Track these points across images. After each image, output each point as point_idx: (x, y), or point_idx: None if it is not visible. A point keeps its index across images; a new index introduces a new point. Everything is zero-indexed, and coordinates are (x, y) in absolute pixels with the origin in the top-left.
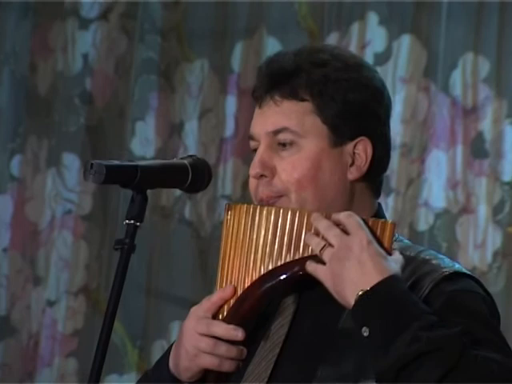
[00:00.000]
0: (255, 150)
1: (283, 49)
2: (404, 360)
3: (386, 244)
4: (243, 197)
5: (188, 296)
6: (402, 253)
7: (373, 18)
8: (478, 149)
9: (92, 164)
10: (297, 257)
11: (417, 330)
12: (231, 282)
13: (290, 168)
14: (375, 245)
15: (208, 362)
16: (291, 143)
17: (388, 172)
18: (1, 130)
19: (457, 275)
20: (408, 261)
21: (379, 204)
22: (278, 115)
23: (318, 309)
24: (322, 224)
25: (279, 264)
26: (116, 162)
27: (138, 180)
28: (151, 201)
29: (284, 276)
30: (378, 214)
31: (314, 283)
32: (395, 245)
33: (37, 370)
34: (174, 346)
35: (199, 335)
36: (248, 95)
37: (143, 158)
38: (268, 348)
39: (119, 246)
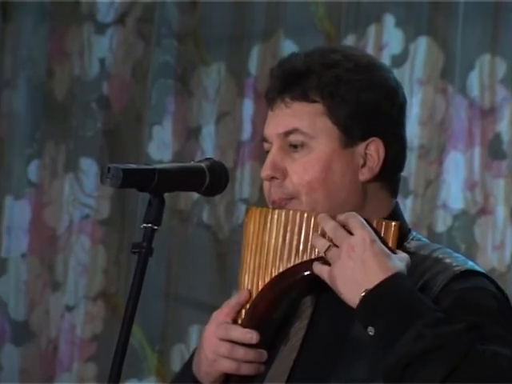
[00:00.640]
0: (268, 152)
1: (300, 51)
2: (409, 358)
3: (390, 244)
4: (261, 200)
5: (207, 299)
6: (417, 252)
7: (389, 20)
8: (495, 150)
9: (109, 168)
10: (305, 259)
11: (421, 328)
12: (247, 286)
13: (301, 170)
14: (379, 243)
15: (227, 366)
16: (302, 145)
17: (406, 174)
18: (18, 135)
19: (468, 273)
20: (421, 260)
21: (396, 203)
22: (288, 117)
23: (334, 311)
24: (329, 225)
25: (289, 266)
26: (133, 166)
27: (156, 183)
28: (169, 205)
29: (293, 279)
30: (395, 213)
31: (327, 292)
32: (413, 243)
33: (56, 374)
34: (196, 350)
35: (218, 340)
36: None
37: (160, 162)
38: (286, 352)
39: (137, 250)
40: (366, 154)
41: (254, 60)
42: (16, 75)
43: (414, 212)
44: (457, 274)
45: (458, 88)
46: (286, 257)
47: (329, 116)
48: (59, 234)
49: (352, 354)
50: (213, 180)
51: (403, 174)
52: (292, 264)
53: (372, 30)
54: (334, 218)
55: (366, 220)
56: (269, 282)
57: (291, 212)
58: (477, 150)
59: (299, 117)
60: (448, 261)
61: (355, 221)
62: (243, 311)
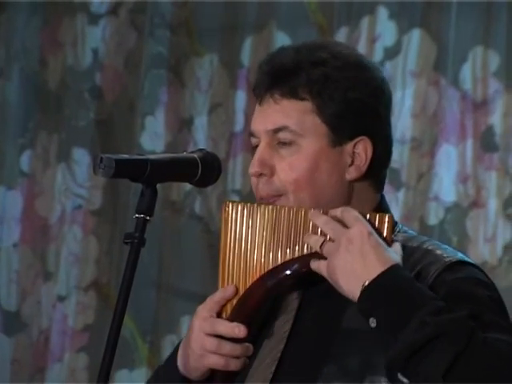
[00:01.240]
0: (256, 147)
1: (293, 43)
2: (413, 346)
3: (384, 236)
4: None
5: (198, 290)
6: (405, 244)
7: (382, 13)
8: (488, 142)
9: (101, 158)
10: (296, 254)
11: (424, 316)
12: (232, 281)
13: (288, 168)
14: (375, 236)
15: (214, 361)
16: (290, 142)
17: (398, 166)
18: (11, 125)
19: (459, 264)
20: (411, 251)
21: (382, 196)
22: (277, 114)
23: (321, 304)
24: (321, 219)
25: (279, 262)
26: (125, 156)
27: (148, 174)
28: (161, 196)
29: (284, 274)
30: (381, 206)
31: (315, 279)
32: (400, 236)
33: (47, 365)
34: (181, 344)
35: (204, 335)
36: None
37: (153, 153)
38: (272, 345)
39: (129, 240)
40: (353, 152)
41: (246, 51)
42: (9, 66)
43: (406, 204)
44: (448, 265)
45: (451, 80)
46: (274, 252)
47: (318, 114)
48: (51, 223)
49: (342, 347)
50: (205, 171)
51: (395, 166)
52: (282, 260)
53: (365, 22)
54: (325, 213)
55: (360, 213)
56: (259, 278)
57: (279, 207)
58: (469, 143)
59: (288, 114)
60: (438, 252)
61: (350, 215)
62: (228, 306)
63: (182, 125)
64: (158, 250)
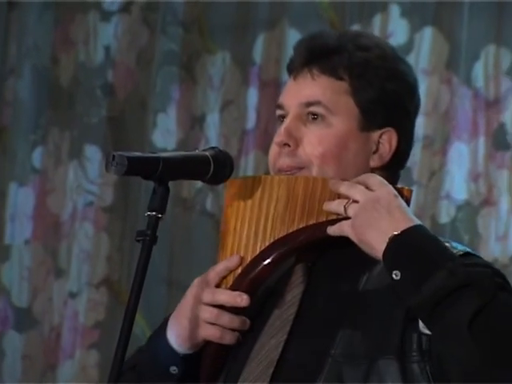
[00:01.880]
0: (281, 117)
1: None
2: (441, 293)
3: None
4: None
5: None
6: None
7: (395, 10)
8: (499, 141)
9: (114, 155)
10: (310, 223)
11: (452, 267)
12: (238, 252)
13: (316, 141)
14: (401, 199)
15: (211, 332)
16: (322, 117)
17: (410, 164)
18: (23, 121)
19: (470, 254)
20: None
21: None
22: (313, 88)
23: (332, 282)
24: (344, 184)
25: (291, 231)
26: (138, 154)
27: (160, 171)
28: (172, 193)
29: (297, 241)
30: None
31: (322, 261)
32: None
33: (58, 362)
34: (172, 317)
35: (203, 305)
36: (270, 87)
37: (164, 150)
38: (278, 326)
39: (141, 238)
40: (379, 142)
41: (258, 49)
42: (21, 63)
43: (418, 203)
44: (460, 255)
45: (463, 79)
46: (288, 222)
47: (353, 96)
48: (63, 220)
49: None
50: (217, 169)
51: (408, 164)
52: (295, 229)
53: (377, 19)
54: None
55: None
56: (269, 246)
57: (295, 178)
58: (481, 141)
59: (324, 90)
60: (448, 245)
61: (376, 179)
62: (230, 277)
63: (193, 122)
64: (169, 247)
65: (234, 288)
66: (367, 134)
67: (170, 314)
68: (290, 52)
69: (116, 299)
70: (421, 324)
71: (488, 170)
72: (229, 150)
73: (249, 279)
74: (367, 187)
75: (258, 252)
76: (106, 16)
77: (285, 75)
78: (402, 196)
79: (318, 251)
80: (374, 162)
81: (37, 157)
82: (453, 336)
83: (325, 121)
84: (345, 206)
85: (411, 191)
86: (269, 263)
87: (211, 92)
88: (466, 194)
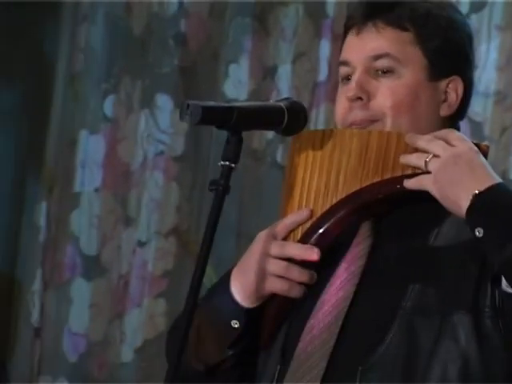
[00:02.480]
0: (346, 78)
1: None
2: None
3: None
4: None
5: None
6: None
7: None
8: None
9: (188, 104)
10: (386, 177)
11: None
12: (306, 205)
13: (389, 93)
14: (482, 156)
15: (278, 285)
16: (391, 70)
17: (481, 119)
18: (95, 70)
19: None
20: None
21: None
22: (380, 41)
23: (400, 237)
24: (423, 139)
25: (365, 185)
26: (212, 103)
27: (234, 121)
28: (243, 144)
29: (370, 196)
30: None
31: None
32: None
33: (126, 310)
34: (236, 270)
35: (271, 258)
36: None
37: (236, 101)
38: (345, 278)
39: (214, 187)
40: (446, 91)
41: (331, 1)
42: (94, 10)
43: (489, 158)
44: None
45: None
46: (362, 176)
47: (419, 46)
48: (133, 169)
49: (427, 272)
50: (291, 120)
51: (478, 119)
52: (370, 183)
53: None
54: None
55: None
56: (341, 200)
57: (369, 132)
58: None
59: (391, 42)
60: None
61: (456, 135)
62: (298, 231)
63: (265, 73)
64: (239, 199)
65: (303, 242)
66: (435, 84)
67: (230, 270)
68: None
69: (184, 249)
70: (504, 282)
71: None
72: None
73: (319, 233)
74: (447, 142)
75: (328, 205)
76: None
77: None
78: (480, 151)
79: (386, 206)
80: (444, 111)
81: (108, 105)
82: None
83: (394, 73)
84: (426, 160)
85: (488, 147)
86: (341, 217)
87: (283, 44)
88: None
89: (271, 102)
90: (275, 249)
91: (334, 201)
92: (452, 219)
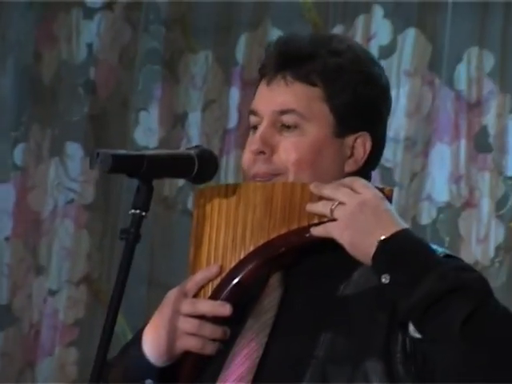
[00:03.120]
0: (254, 127)
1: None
2: (432, 297)
3: None
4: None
5: None
6: None
7: (378, 11)
8: (481, 143)
9: (98, 153)
10: (293, 228)
11: (443, 270)
12: (215, 262)
13: (292, 148)
14: (387, 202)
15: (192, 343)
16: (296, 126)
17: (392, 165)
18: (4, 118)
19: (449, 257)
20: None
21: None
22: (287, 95)
23: (310, 287)
24: (328, 187)
25: (272, 237)
26: (122, 152)
27: (145, 169)
28: (154, 191)
29: (278, 248)
30: None
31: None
32: None
33: (37, 359)
34: (148, 329)
35: (183, 316)
36: (252, 87)
37: (146, 148)
38: (257, 329)
39: (125, 236)
40: (353, 146)
41: (241, 49)
42: (3, 58)
43: (399, 204)
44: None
45: (445, 80)
46: (268, 229)
47: (327, 102)
48: (43, 217)
49: (337, 324)
50: (202, 168)
51: (389, 165)
52: (277, 235)
53: (360, 20)
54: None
55: None
56: (249, 254)
57: (273, 184)
58: (463, 143)
59: (298, 97)
60: None
61: (361, 182)
62: (208, 288)
63: (175, 120)
64: (150, 246)
65: (214, 298)
66: (342, 140)
67: (142, 328)
68: None
69: (96, 297)
70: (411, 328)
71: (469, 172)
72: (210, 149)
73: (230, 288)
74: (352, 190)
75: (237, 260)
76: (88, 13)
77: None
78: (385, 196)
79: (295, 256)
80: (349, 166)
81: (18, 154)
82: (444, 340)
83: (299, 129)
84: (331, 208)
85: (392, 191)
86: (250, 271)
87: (193, 91)
88: (447, 196)
89: (182, 150)
90: (186, 306)
91: (243, 255)
92: (362, 267)
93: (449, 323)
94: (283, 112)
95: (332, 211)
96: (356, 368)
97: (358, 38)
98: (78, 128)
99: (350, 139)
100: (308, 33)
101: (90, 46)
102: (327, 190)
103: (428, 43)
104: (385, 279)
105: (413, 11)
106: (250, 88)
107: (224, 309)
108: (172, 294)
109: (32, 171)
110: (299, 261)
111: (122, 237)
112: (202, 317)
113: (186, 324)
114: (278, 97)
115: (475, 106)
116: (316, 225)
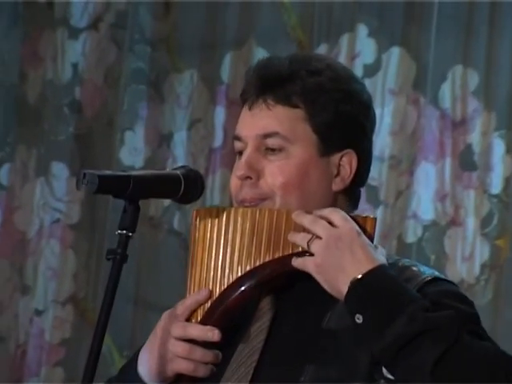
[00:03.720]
0: (240, 152)
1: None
2: (402, 340)
3: (369, 237)
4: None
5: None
6: None
7: (362, 30)
8: (466, 161)
9: (85, 174)
10: (276, 256)
11: (413, 312)
12: (206, 286)
13: (277, 172)
14: (363, 236)
15: (183, 366)
16: (280, 149)
17: (377, 184)
18: None
19: (438, 280)
20: (389, 266)
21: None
22: (269, 119)
23: (298, 313)
24: (307, 218)
25: (258, 264)
26: (108, 172)
27: (131, 190)
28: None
29: (263, 275)
30: None
31: (290, 288)
32: None
33: (24, 379)
34: (143, 350)
35: (174, 339)
36: (237, 106)
37: (132, 168)
38: (247, 354)
39: (112, 256)
40: (339, 164)
41: (226, 68)
42: None
43: (385, 222)
44: (427, 281)
45: (430, 99)
46: (254, 255)
47: (309, 123)
48: (29, 237)
49: (324, 350)
50: (188, 188)
51: (374, 183)
52: (262, 262)
53: (345, 39)
54: (309, 213)
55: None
56: (237, 280)
57: (259, 210)
58: (448, 161)
59: (280, 120)
60: (415, 269)
61: (339, 214)
62: (200, 311)
63: (161, 140)
64: (136, 266)
65: (204, 322)
66: (327, 159)
67: (140, 347)
68: None
69: (82, 317)
70: (384, 369)
71: (454, 190)
72: (196, 168)
73: (218, 313)
74: (330, 222)
75: (225, 285)
76: (74, 33)
77: None
78: (366, 226)
79: (285, 279)
80: (337, 185)
81: (3, 174)
82: (415, 382)
83: (284, 152)
84: (308, 243)
85: (375, 220)
86: (240, 295)
87: (179, 110)
88: (432, 214)
89: (168, 170)
90: (177, 330)
91: (232, 279)
92: None
93: (420, 366)
94: (267, 136)
95: (309, 246)
96: None
97: (343, 57)
98: (64, 148)
99: (335, 157)
100: (291, 52)
101: (75, 65)
102: (306, 221)
103: (412, 62)
104: (358, 319)
105: (397, 30)
106: (235, 107)
107: (212, 334)
108: (165, 316)
109: (18, 191)
110: (291, 283)
111: (109, 257)
112: (193, 340)
113: (177, 348)
114: (260, 121)
115: (460, 125)
116: (299, 254)
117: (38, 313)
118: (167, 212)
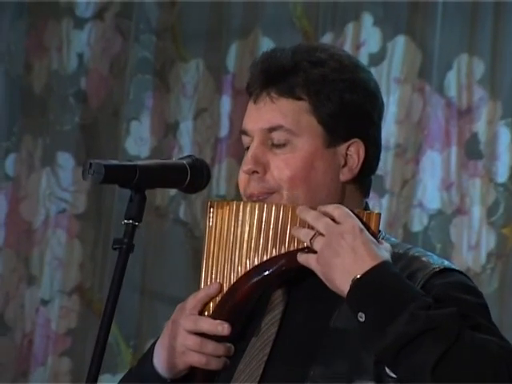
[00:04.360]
0: (248, 148)
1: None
2: (404, 339)
3: (373, 233)
4: (238, 197)
5: (182, 296)
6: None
7: (368, 19)
8: (472, 150)
9: (91, 164)
10: (283, 251)
11: (414, 310)
12: (216, 279)
13: (284, 165)
14: (366, 233)
15: (195, 359)
16: (285, 143)
17: (382, 173)
18: None
19: (447, 271)
20: (398, 258)
21: (366, 203)
22: (274, 112)
23: (308, 306)
24: (310, 215)
25: (265, 259)
26: (115, 162)
27: (137, 180)
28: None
29: (270, 270)
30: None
31: (302, 280)
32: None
33: (30, 369)
34: (158, 342)
35: (186, 332)
36: (243, 95)
37: (137, 158)
38: (258, 347)
39: (118, 246)
40: (346, 154)
41: (232, 57)
42: None
43: (390, 211)
44: (436, 272)
45: (436, 87)
46: (261, 249)
47: (314, 114)
48: (35, 227)
49: (331, 349)
50: (194, 177)
51: (379, 172)
52: (269, 256)
53: (350, 28)
54: (313, 209)
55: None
56: (244, 274)
57: (266, 204)
58: (453, 150)
59: (284, 113)
60: (424, 259)
61: (342, 211)
62: (211, 304)
63: (167, 130)
64: (142, 255)
65: (214, 316)
66: (334, 149)
67: (157, 338)
68: None
69: (88, 307)
70: (386, 368)
71: (460, 179)
72: (202, 158)
73: (228, 307)
74: (333, 219)
75: (234, 279)
76: (79, 23)
77: None
78: (371, 223)
79: (296, 272)
80: (344, 175)
81: (9, 164)
82: (417, 381)
83: (289, 145)
84: (310, 240)
85: (379, 216)
86: (245, 292)
87: (185, 100)
88: (438, 203)
89: (174, 160)
90: (188, 323)
91: (240, 274)
92: None
93: (421, 366)
94: (271, 129)
95: (311, 243)
96: None
97: (348, 46)
98: (70, 138)
99: (342, 148)
100: (296, 41)
101: (80, 55)
102: (309, 218)
103: (418, 50)
104: (360, 318)
105: (402, 18)
106: (241, 96)
107: (222, 328)
108: (179, 309)
109: (24, 181)
110: (302, 276)
111: (116, 247)
112: (205, 333)
113: (188, 341)
114: (264, 114)
115: (466, 113)
116: (304, 250)
117: (45, 303)
118: (173, 201)
